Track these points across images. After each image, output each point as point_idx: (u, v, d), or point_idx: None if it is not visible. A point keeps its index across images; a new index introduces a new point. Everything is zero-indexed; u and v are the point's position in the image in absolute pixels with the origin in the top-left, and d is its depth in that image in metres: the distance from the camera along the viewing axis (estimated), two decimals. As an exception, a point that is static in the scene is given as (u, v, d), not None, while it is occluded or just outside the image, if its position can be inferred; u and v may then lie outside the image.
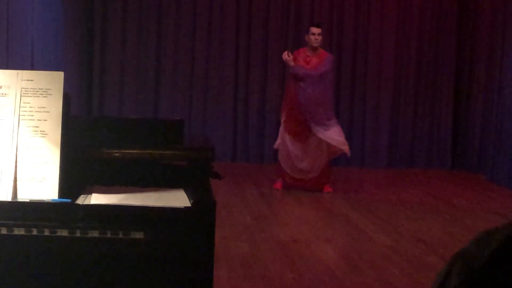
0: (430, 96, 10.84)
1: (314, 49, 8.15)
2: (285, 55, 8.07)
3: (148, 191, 2.45)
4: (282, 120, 8.28)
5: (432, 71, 10.81)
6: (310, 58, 8.13)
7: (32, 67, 6.96)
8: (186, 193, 2.43)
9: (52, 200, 2.28)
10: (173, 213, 2.26)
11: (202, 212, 2.27)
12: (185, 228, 2.24)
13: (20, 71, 2.38)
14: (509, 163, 8.89)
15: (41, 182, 2.30)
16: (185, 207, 2.28)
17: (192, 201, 2.31)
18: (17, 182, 2.29)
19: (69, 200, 2.29)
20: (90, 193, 2.39)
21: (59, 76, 2.37)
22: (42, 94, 2.35)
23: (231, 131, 10.61)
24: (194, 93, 10.67)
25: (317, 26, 8.23)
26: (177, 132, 2.64)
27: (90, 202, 2.30)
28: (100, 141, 2.52)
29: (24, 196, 2.29)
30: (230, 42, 10.60)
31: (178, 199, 2.37)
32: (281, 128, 8.30)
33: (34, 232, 2.20)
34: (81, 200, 2.32)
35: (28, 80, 2.36)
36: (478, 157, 10.11)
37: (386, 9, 10.67)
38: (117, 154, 2.45)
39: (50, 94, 2.35)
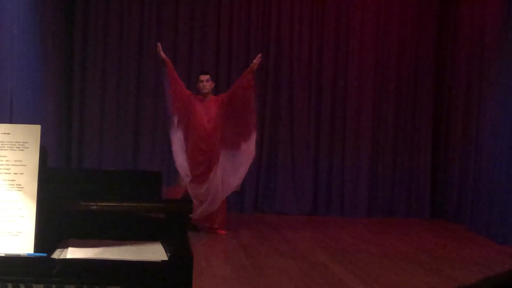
0: (408, 145, 10.94)
1: (205, 95, 8.61)
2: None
3: (125, 244, 2.44)
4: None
5: (410, 121, 10.93)
6: (205, 103, 8.56)
7: (11, 120, 6.94)
8: (163, 246, 2.42)
9: (28, 254, 2.26)
10: (150, 267, 2.24)
11: (179, 265, 2.26)
12: (162, 282, 2.23)
13: (-3, 125, 2.37)
14: (488, 212, 8.93)
15: (17, 236, 2.27)
16: (162, 260, 2.26)
17: (169, 254, 2.30)
18: (-8, 236, 2.27)
19: (45, 254, 2.26)
20: (66, 247, 2.37)
21: (36, 129, 2.37)
22: (19, 147, 2.34)
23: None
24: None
25: (204, 73, 8.76)
26: (154, 184, 2.64)
27: (66, 256, 2.28)
28: (77, 194, 2.51)
29: (-1, 250, 2.26)
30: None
31: (155, 252, 2.35)
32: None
33: (10, 287, 2.17)
34: (57, 254, 2.29)
35: (4, 133, 2.36)
36: (457, 206, 10.16)
37: (364, 62, 10.81)
38: (94, 207, 2.44)
39: (27, 148, 2.34)
